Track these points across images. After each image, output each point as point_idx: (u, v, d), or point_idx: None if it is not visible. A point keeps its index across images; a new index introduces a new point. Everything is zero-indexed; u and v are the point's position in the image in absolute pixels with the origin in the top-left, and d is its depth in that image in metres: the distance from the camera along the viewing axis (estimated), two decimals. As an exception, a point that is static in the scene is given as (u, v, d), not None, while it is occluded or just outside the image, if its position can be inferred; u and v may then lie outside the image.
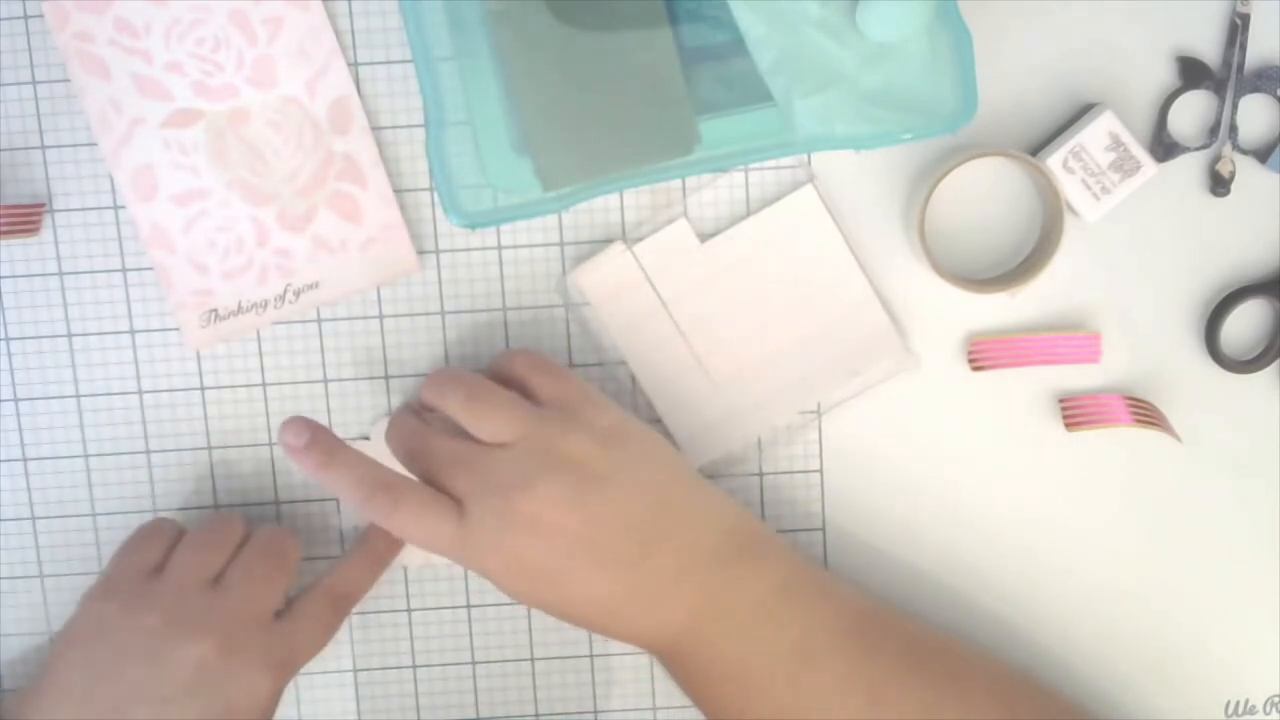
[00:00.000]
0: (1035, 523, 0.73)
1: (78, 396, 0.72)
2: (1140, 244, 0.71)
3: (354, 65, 0.70)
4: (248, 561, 0.68)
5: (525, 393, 0.67)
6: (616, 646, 0.74)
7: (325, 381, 0.72)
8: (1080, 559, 0.73)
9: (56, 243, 0.71)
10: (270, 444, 0.73)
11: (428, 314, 0.72)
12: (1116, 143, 0.68)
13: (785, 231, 0.71)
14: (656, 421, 0.72)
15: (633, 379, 0.72)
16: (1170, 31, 0.70)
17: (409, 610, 0.74)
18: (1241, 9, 0.69)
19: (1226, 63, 0.70)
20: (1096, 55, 0.70)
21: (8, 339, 0.72)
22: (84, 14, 0.69)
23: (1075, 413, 0.71)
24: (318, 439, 0.65)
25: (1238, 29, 0.70)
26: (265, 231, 0.71)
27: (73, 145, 0.71)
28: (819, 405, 0.73)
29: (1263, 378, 0.72)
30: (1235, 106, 0.70)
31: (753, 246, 0.71)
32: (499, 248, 0.72)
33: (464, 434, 0.66)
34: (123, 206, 0.71)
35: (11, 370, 0.72)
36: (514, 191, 0.68)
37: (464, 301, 0.72)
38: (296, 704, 0.74)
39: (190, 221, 0.71)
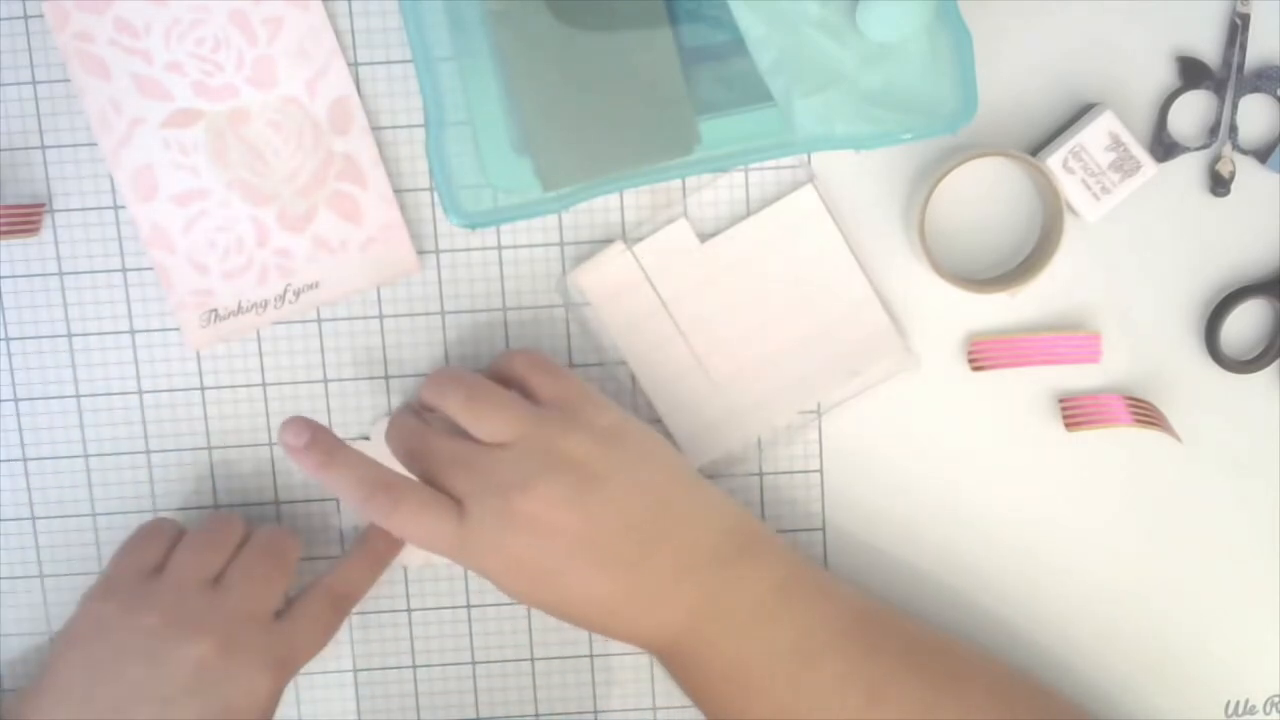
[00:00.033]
0: (1035, 523, 0.73)
1: (78, 396, 0.72)
2: (1140, 244, 0.71)
3: (354, 65, 0.70)
4: (247, 561, 0.68)
5: (525, 393, 0.67)
6: (616, 646, 0.74)
7: (325, 381, 0.72)
8: (1080, 559, 0.73)
9: (56, 243, 0.71)
10: (270, 444, 0.73)
11: (428, 314, 0.72)
12: (1116, 143, 0.68)
13: (785, 231, 0.71)
14: (656, 421, 0.72)
15: (633, 379, 0.72)
16: (1170, 31, 0.70)
17: (409, 610, 0.74)
18: (1241, 9, 0.69)
19: (1226, 63, 0.70)
20: (1096, 55, 0.70)
21: (8, 339, 0.72)
22: (84, 14, 0.69)
23: (1075, 413, 0.71)
24: (318, 439, 0.65)
25: (1238, 29, 0.70)
26: (265, 231, 0.71)
27: (73, 145, 0.71)
28: (819, 405, 0.73)
29: (1263, 378, 0.72)
30: (1235, 106, 0.70)
31: (753, 246, 0.71)
32: (499, 248, 0.72)
33: (464, 434, 0.66)
34: (123, 206, 0.71)
35: (11, 370, 0.72)
36: (514, 191, 0.68)
37: (464, 301, 0.72)
38: (296, 704, 0.74)
39: (190, 221, 0.71)
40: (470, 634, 0.74)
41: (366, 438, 0.73)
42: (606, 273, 0.71)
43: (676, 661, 0.67)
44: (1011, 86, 0.70)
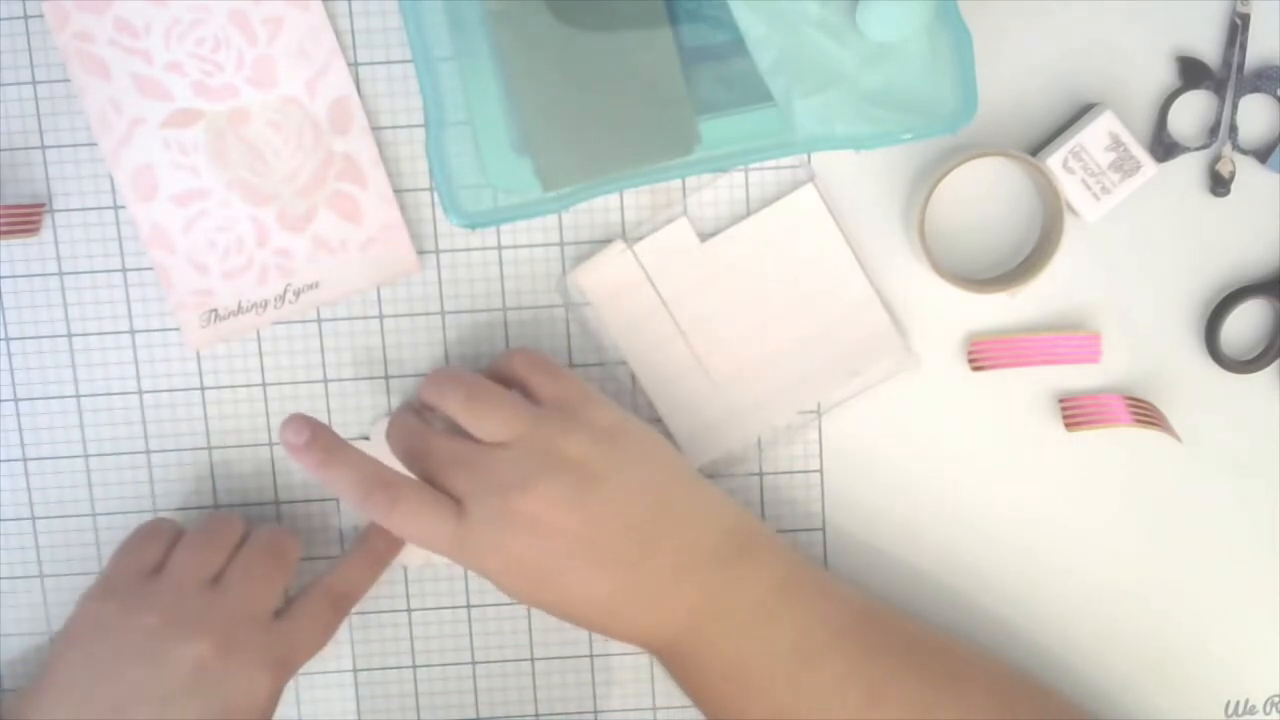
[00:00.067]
0: (1035, 523, 0.73)
1: (78, 396, 0.72)
2: (1140, 244, 0.71)
3: (354, 65, 0.70)
4: (247, 561, 0.68)
5: (525, 392, 0.67)
6: (616, 646, 0.74)
7: (325, 381, 0.72)
8: (1080, 559, 0.73)
9: (56, 243, 0.71)
10: (270, 444, 0.73)
11: (428, 314, 0.72)
12: (1116, 143, 0.68)
13: (785, 231, 0.71)
14: (656, 421, 0.72)
15: (633, 379, 0.72)
16: (1170, 31, 0.70)
17: (409, 610, 0.74)
18: (1241, 9, 0.69)
19: (1226, 63, 0.70)
20: (1096, 55, 0.70)
21: (8, 339, 0.72)
22: (84, 14, 0.69)
23: (1075, 413, 0.71)
24: (318, 437, 0.65)
25: (1238, 29, 0.70)
26: (265, 231, 0.71)
27: (73, 145, 0.71)
28: (819, 405, 0.73)
29: (1263, 378, 0.72)
30: (1235, 106, 0.70)
31: (753, 246, 0.71)
32: (499, 248, 0.72)
33: (464, 434, 0.66)
34: (123, 206, 0.71)
35: (11, 370, 0.72)
36: (514, 191, 0.68)
37: (464, 301, 0.72)
38: (296, 704, 0.74)
39: (190, 221, 0.71)
40: (470, 634, 0.74)
41: (366, 438, 0.73)
42: (606, 272, 0.71)
43: (676, 661, 0.67)
44: (1011, 86, 0.70)
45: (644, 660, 0.74)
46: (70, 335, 0.72)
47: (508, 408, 0.65)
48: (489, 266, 0.72)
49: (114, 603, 0.67)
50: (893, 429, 0.73)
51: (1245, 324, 0.72)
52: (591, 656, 0.74)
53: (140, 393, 0.72)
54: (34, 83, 0.70)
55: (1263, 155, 0.70)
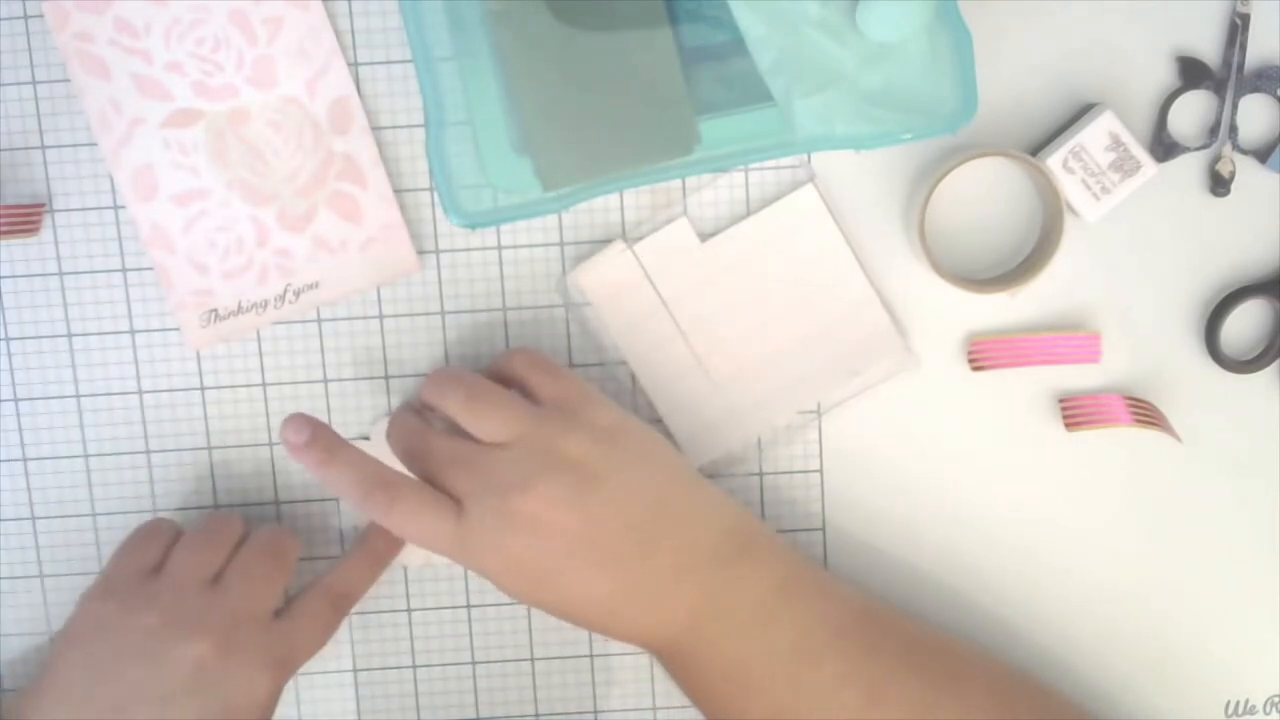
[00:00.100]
0: (1035, 523, 0.73)
1: (78, 396, 0.72)
2: (1140, 244, 0.71)
3: (354, 65, 0.70)
4: (246, 561, 0.68)
5: (525, 392, 0.67)
6: (616, 646, 0.74)
7: (325, 381, 0.72)
8: (1080, 559, 0.73)
9: (56, 243, 0.71)
10: (270, 444, 0.73)
11: (428, 314, 0.72)
12: (1116, 143, 0.68)
13: (785, 231, 0.71)
14: (657, 421, 0.72)
15: (633, 379, 0.72)
16: (1170, 31, 0.70)
17: (409, 610, 0.74)
18: (1241, 9, 0.69)
19: (1226, 63, 0.70)
20: (1096, 55, 0.70)
21: (8, 339, 0.72)
22: (84, 14, 0.69)
23: (1075, 413, 0.71)
24: (318, 436, 0.65)
25: (1238, 29, 0.70)
26: (265, 231, 0.71)
27: (73, 145, 0.71)
28: (819, 405, 0.73)
29: (1263, 378, 0.72)
30: (1235, 106, 0.70)
31: (753, 246, 0.71)
32: (499, 248, 0.72)
33: (464, 434, 0.66)
34: (123, 206, 0.71)
35: (11, 370, 0.72)
36: (514, 191, 0.68)
37: (464, 301, 0.72)
38: (296, 704, 0.74)
39: (190, 221, 0.71)
40: (470, 634, 0.74)
41: (366, 438, 0.73)
42: (606, 272, 0.71)
43: (676, 661, 0.67)
44: (1011, 86, 0.70)
45: (644, 660, 0.74)
46: (70, 335, 0.72)
47: (508, 408, 0.65)
48: (489, 266, 0.72)
49: (114, 603, 0.67)
50: (893, 429, 0.73)
51: (1245, 324, 0.72)
52: (591, 656, 0.74)
53: (140, 393, 0.72)
54: (34, 83, 0.70)
55: (1263, 155, 0.70)
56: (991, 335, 0.72)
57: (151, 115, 0.70)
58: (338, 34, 0.70)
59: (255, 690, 0.66)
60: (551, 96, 0.68)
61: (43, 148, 0.71)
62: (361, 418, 0.73)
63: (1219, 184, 0.70)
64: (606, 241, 0.72)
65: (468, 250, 0.72)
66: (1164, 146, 0.70)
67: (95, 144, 0.70)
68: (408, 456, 0.66)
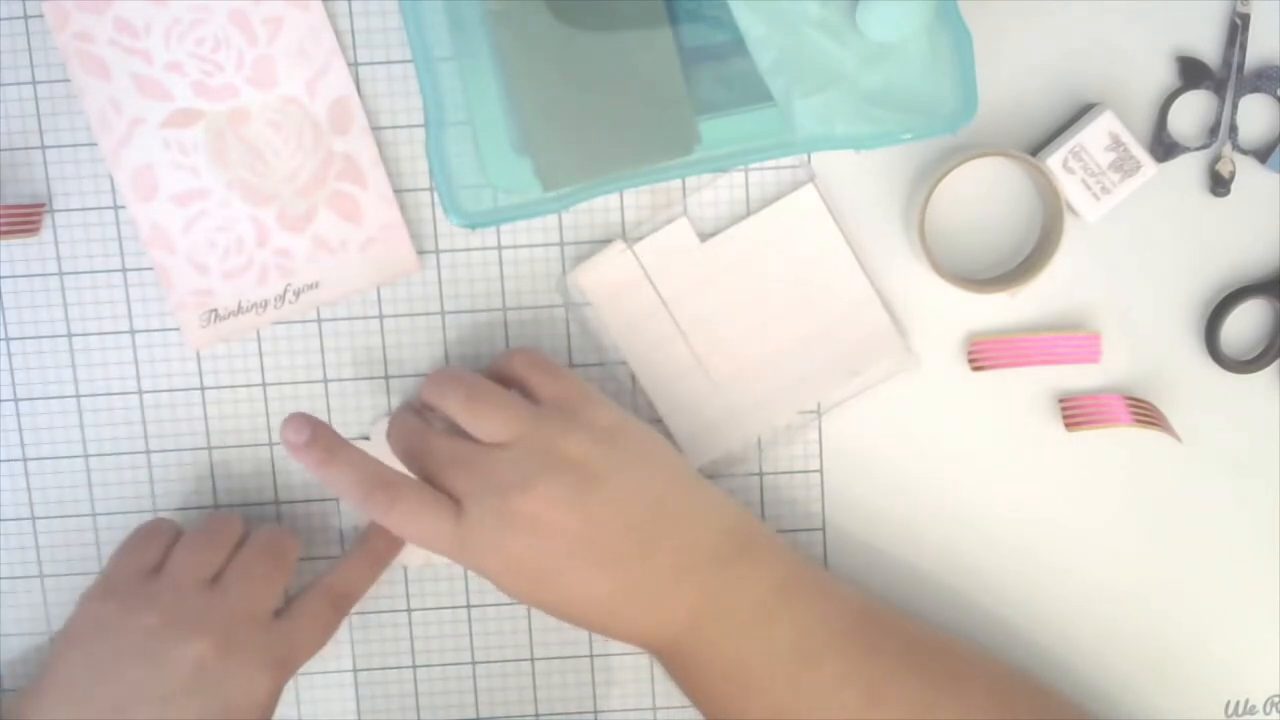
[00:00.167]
0: (1035, 523, 0.73)
1: (78, 396, 0.72)
2: (1140, 244, 0.71)
3: (354, 65, 0.70)
4: (246, 561, 0.68)
5: (525, 392, 0.67)
6: (616, 646, 0.74)
7: (325, 381, 0.72)
8: (1080, 559, 0.73)
9: (56, 243, 0.71)
10: (270, 444, 0.73)
11: (428, 314, 0.72)
12: (1116, 143, 0.68)
13: (785, 231, 0.71)
14: (657, 421, 0.72)
15: (633, 379, 0.72)
16: (1170, 31, 0.70)
17: (409, 610, 0.74)
18: (1241, 9, 0.69)
19: (1226, 63, 0.70)
20: (1096, 55, 0.70)
21: (8, 339, 0.72)
22: (84, 14, 0.69)
23: (1075, 413, 0.71)
24: (318, 436, 0.65)
25: (1238, 29, 0.70)
26: (265, 231, 0.71)
27: (73, 145, 0.71)
28: (819, 405, 0.73)
29: (1263, 378, 0.72)
30: (1235, 106, 0.70)
31: (753, 246, 0.71)
32: (499, 248, 0.72)
33: (464, 434, 0.66)
34: (123, 206, 0.71)
35: (11, 370, 0.72)
36: (514, 191, 0.68)
37: (464, 301, 0.72)
38: (296, 704, 0.74)
39: (190, 221, 0.71)
40: (470, 634, 0.74)
41: (366, 438, 0.73)
42: (606, 272, 0.71)
43: (676, 661, 0.67)
44: (1011, 86, 0.70)
45: (644, 660, 0.74)
46: (70, 335, 0.72)
47: (508, 408, 0.65)
48: (489, 266, 0.72)
49: (114, 603, 0.67)
50: (893, 429, 0.73)
51: (1245, 324, 0.72)
52: (591, 656, 0.74)
53: (140, 393, 0.72)
54: (34, 83, 0.70)
55: (1263, 155, 0.70)
56: (991, 335, 0.72)
57: (151, 115, 0.70)
58: (338, 34, 0.70)
59: (255, 690, 0.66)
60: (551, 96, 0.68)
61: (43, 148, 0.71)
62: (361, 418, 0.73)
63: (1219, 184, 0.70)
64: (606, 241, 0.72)
65: (468, 250, 0.72)
66: (1164, 146, 0.70)
67: (95, 144, 0.70)
68: (408, 456, 0.66)
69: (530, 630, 0.74)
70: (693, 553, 0.65)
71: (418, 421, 0.67)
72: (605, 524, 0.64)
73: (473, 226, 0.69)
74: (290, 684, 0.69)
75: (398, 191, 0.71)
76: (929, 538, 0.73)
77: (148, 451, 0.73)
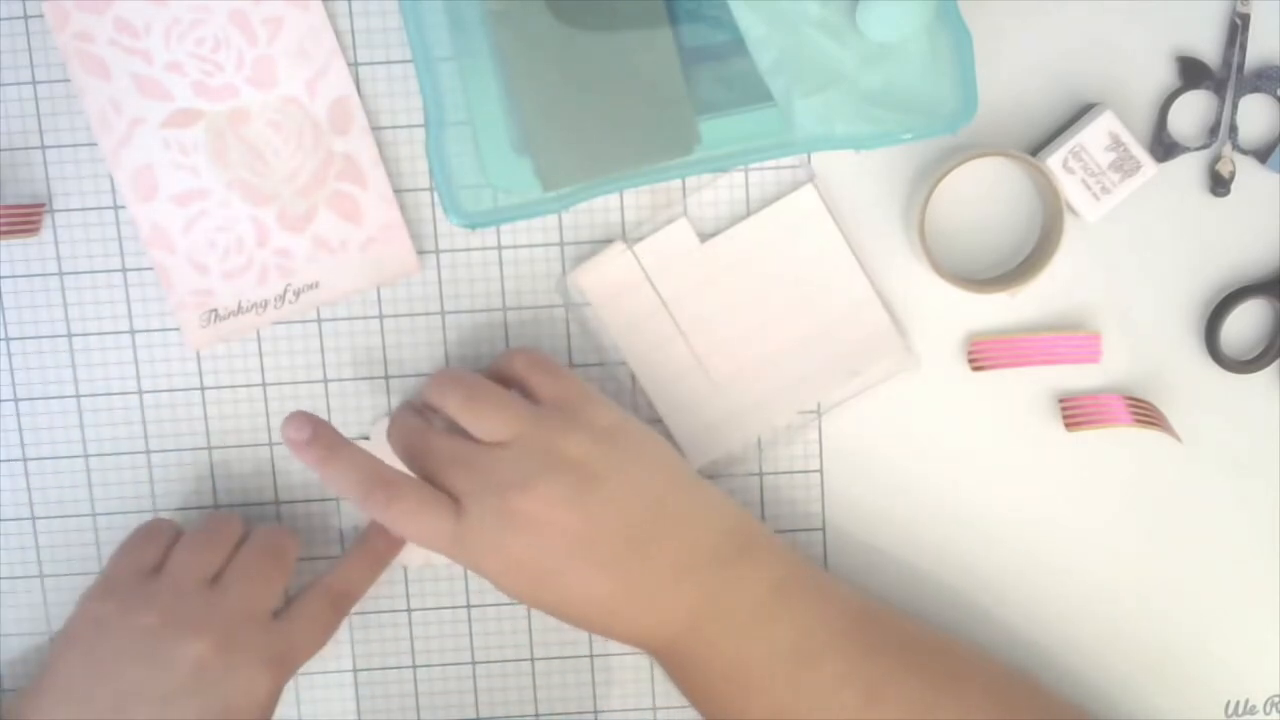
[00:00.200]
0: (1035, 523, 0.73)
1: (78, 396, 0.72)
2: (1140, 244, 0.71)
3: (354, 65, 0.70)
4: (246, 560, 0.68)
5: (525, 392, 0.67)
6: (616, 646, 0.73)
7: (325, 381, 0.72)
8: (1080, 559, 0.73)
9: (56, 243, 0.71)
10: (270, 444, 0.73)
11: (428, 314, 0.72)
12: (1116, 143, 0.68)
13: (785, 231, 0.71)
14: (657, 422, 0.72)
15: (633, 379, 0.72)
16: (1170, 31, 0.70)
17: (409, 610, 0.74)
18: (1241, 9, 0.69)
19: (1226, 63, 0.70)
20: (1096, 55, 0.70)
21: (8, 339, 0.72)
22: (84, 14, 0.69)
23: (1075, 413, 0.71)
24: (319, 434, 0.65)
25: (1238, 29, 0.70)
26: (265, 231, 0.71)
27: (73, 145, 0.71)
28: (819, 405, 0.73)
29: (1263, 378, 0.72)
30: (1235, 106, 0.70)
31: (753, 246, 0.71)
32: (499, 248, 0.72)
33: (465, 433, 0.66)
34: (123, 206, 0.71)
35: (11, 370, 0.72)
36: (514, 191, 0.68)
37: (464, 301, 0.72)
38: (296, 704, 0.74)
39: (190, 221, 0.71)
40: (470, 634, 0.74)
41: (366, 438, 0.73)
42: (606, 273, 0.71)
43: (675, 662, 0.67)
44: (1011, 86, 0.70)
45: (644, 660, 0.74)
46: (70, 335, 0.72)
47: (507, 407, 0.66)
48: (489, 266, 0.72)
49: (113, 603, 0.67)
50: (893, 429, 0.73)
51: (1245, 324, 0.72)
52: (591, 656, 0.74)
53: (140, 393, 0.72)
54: (34, 83, 0.70)
55: (1263, 155, 0.70)
56: (991, 335, 0.72)
57: (151, 115, 0.70)
58: (338, 34, 0.70)
59: (255, 690, 0.66)
60: (551, 96, 0.68)
61: (43, 148, 0.71)
62: (361, 418, 0.73)
63: (1219, 184, 0.70)
64: (606, 241, 0.72)
65: (468, 250, 0.72)
66: (1164, 146, 0.70)
67: (95, 144, 0.70)
68: (408, 455, 0.66)
69: (530, 630, 0.74)
70: (692, 553, 0.65)
71: (418, 421, 0.67)
72: (605, 524, 0.64)
73: (473, 226, 0.69)
74: (290, 684, 0.69)
75: (398, 191, 0.71)
76: (929, 538, 0.73)
77: (148, 451, 0.73)
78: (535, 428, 0.65)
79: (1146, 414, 0.71)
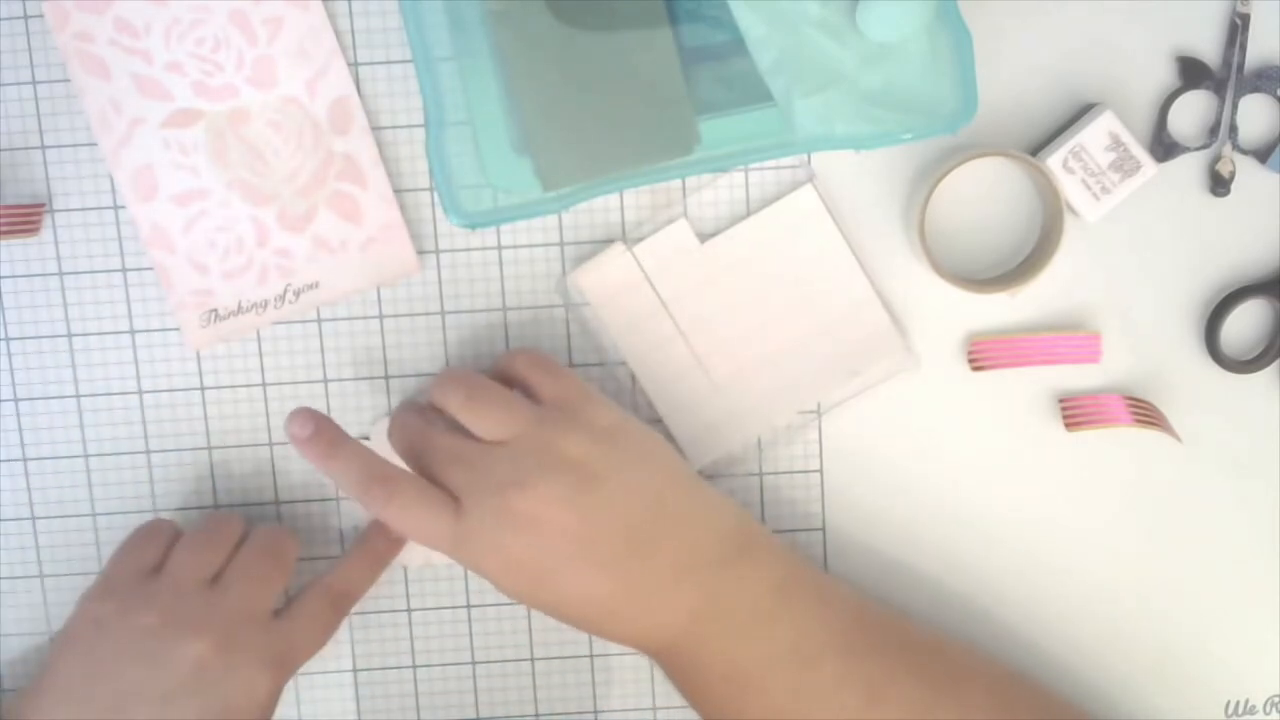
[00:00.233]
0: (1035, 523, 0.73)
1: (78, 396, 0.72)
2: (1140, 244, 0.71)
3: (354, 65, 0.70)
4: (246, 560, 0.68)
5: (526, 392, 0.67)
6: (616, 646, 0.73)
7: (325, 381, 0.72)
8: (1080, 559, 0.73)
9: (56, 243, 0.71)
10: (270, 444, 0.73)
11: (428, 314, 0.72)
12: (1116, 143, 0.68)
13: (785, 231, 0.71)
14: (657, 422, 0.72)
15: (633, 379, 0.72)
16: (1170, 31, 0.70)
17: (409, 610, 0.74)
18: (1241, 9, 0.69)
19: (1226, 63, 0.70)
20: (1096, 55, 0.70)
21: (8, 339, 0.72)
22: (84, 14, 0.69)
23: (1075, 413, 0.71)
24: (322, 430, 0.65)
25: (1238, 29, 0.70)
26: (265, 231, 0.71)
27: (73, 145, 0.71)
28: (819, 405, 0.73)
29: (1263, 378, 0.72)
30: (1235, 106, 0.70)
31: (753, 246, 0.71)
32: (499, 248, 0.72)
33: (466, 432, 0.66)
34: (123, 206, 0.71)
35: (11, 370, 0.72)
36: (514, 191, 0.68)
37: (464, 301, 0.72)
38: (296, 704, 0.74)
39: (190, 221, 0.71)
40: (470, 634, 0.74)
41: (367, 438, 0.73)
42: (606, 273, 0.71)
43: (674, 663, 0.67)
44: (1011, 86, 0.70)
45: (644, 660, 0.74)
46: (70, 335, 0.72)
47: (508, 407, 0.66)
48: (489, 266, 0.72)
49: (113, 603, 0.67)
50: (893, 429, 0.73)
51: (1245, 324, 0.72)
52: (591, 656, 0.74)
53: (140, 393, 0.72)
54: (34, 83, 0.70)
55: (1263, 155, 0.70)
56: (991, 335, 0.72)
57: (151, 115, 0.70)
58: (338, 34, 0.70)
59: (255, 690, 0.66)
60: (551, 96, 0.68)
61: (43, 148, 0.71)
62: (361, 418, 0.73)
63: (1219, 184, 0.70)
64: (606, 241, 0.72)
65: (468, 250, 0.72)
66: (1164, 146, 0.70)
67: (95, 144, 0.70)
68: (409, 454, 0.66)
69: (530, 630, 0.74)
70: (692, 553, 0.65)
71: (419, 419, 0.67)
72: (604, 524, 0.64)
73: (473, 226, 0.69)
74: (290, 684, 0.69)
75: (398, 191, 0.71)
76: (929, 538, 0.73)
77: (148, 451, 0.73)
78: (536, 427, 0.65)
79: (1146, 414, 0.71)
